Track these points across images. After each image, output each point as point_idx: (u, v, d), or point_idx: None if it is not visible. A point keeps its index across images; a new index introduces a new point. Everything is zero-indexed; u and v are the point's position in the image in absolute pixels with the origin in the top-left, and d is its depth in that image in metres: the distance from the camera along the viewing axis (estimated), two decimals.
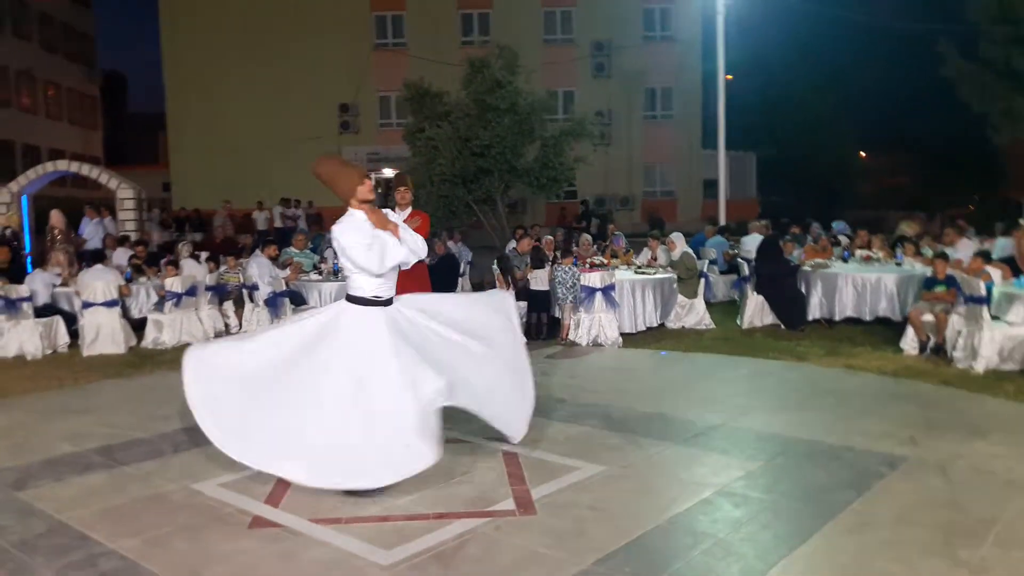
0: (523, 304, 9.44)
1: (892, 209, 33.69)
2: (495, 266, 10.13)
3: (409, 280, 6.76)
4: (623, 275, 9.69)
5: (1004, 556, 3.47)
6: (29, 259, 12.80)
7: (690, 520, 3.94)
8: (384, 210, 4.78)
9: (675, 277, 9.94)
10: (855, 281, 9.38)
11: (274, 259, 10.02)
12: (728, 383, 6.99)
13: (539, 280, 9.47)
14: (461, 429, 5.17)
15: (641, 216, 28.71)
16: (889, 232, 12.77)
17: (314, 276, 10.12)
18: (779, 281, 9.64)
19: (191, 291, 9.54)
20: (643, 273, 9.96)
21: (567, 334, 9.03)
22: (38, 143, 29.74)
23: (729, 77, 39.04)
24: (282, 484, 4.51)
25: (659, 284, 9.71)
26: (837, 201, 34.94)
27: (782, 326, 9.57)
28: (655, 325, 9.69)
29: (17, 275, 9.66)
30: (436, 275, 10.38)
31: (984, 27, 19.35)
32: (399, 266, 4.55)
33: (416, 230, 6.78)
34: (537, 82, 25.77)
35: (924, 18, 24.31)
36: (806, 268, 9.86)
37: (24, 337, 8.82)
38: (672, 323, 9.93)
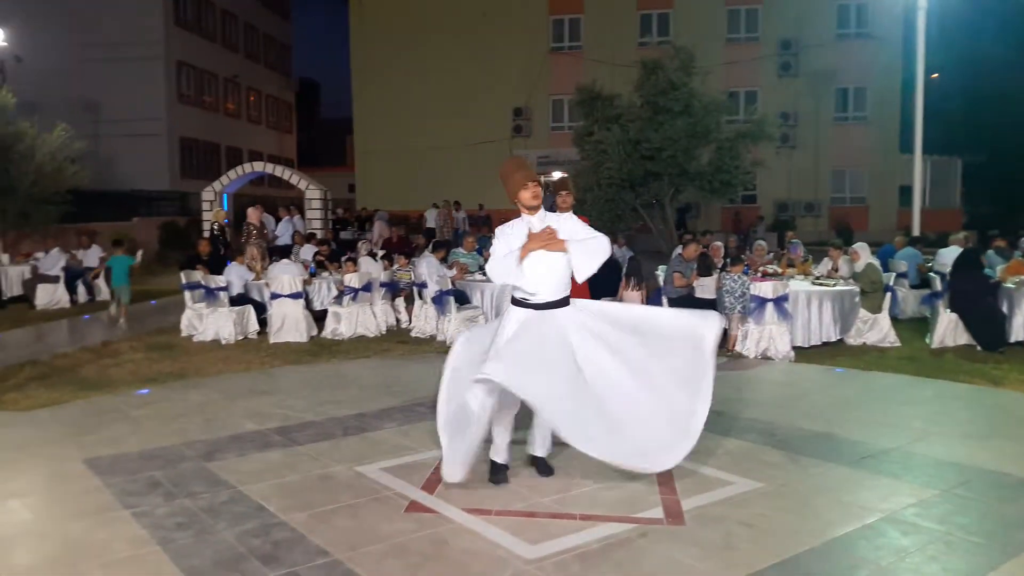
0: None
1: None
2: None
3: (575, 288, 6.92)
4: (799, 286, 9.32)
5: None
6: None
7: (849, 545, 3.79)
8: (553, 216, 4.81)
9: (857, 290, 9.41)
10: None
11: (443, 260, 10.56)
12: (907, 405, 6.55)
13: (706, 288, 9.31)
14: None
15: (829, 224, 27.26)
16: None
17: (479, 276, 10.53)
18: (976, 298, 8.86)
19: (367, 287, 10.26)
20: (821, 284, 9.51)
21: (734, 345, 8.82)
22: (240, 145, 32.99)
23: (934, 76, 36.27)
24: (433, 472, 4.79)
25: (838, 296, 9.24)
26: None
27: (978, 347, 8.80)
28: (833, 340, 9.23)
29: (217, 267, 10.81)
30: (597, 279, 10.51)
31: None
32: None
33: None
34: (717, 82, 25.40)
35: None
36: (1008, 285, 9.00)
37: (220, 323, 9.87)
38: (852, 339, 9.41)
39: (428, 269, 10.24)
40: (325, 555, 3.73)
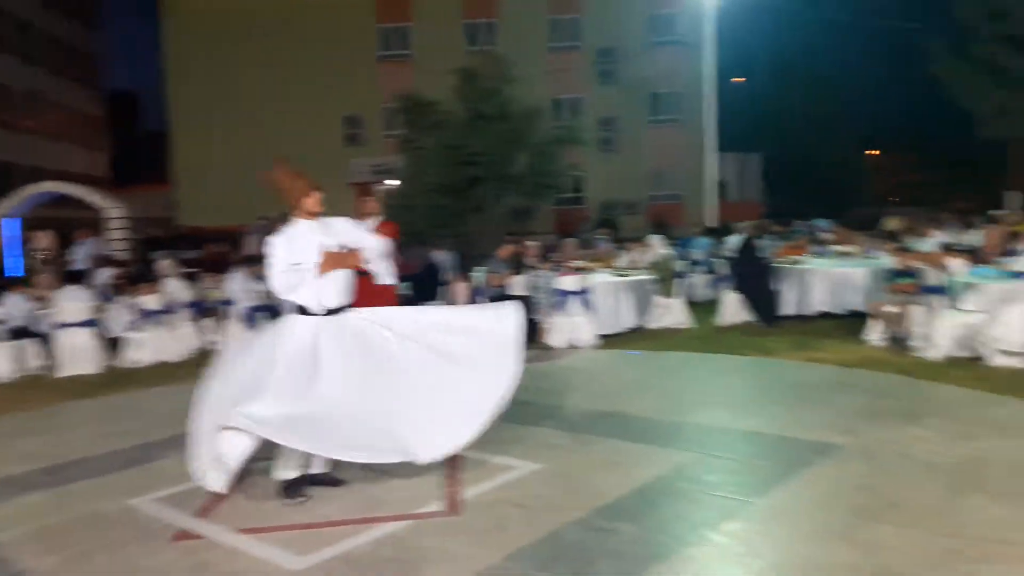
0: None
1: (901, 207, 33.54)
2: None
3: (378, 298, 6.84)
4: (601, 278, 9.73)
5: (899, 534, 3.53)
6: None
7: (612, 512, 3.98)
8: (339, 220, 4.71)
9: (653, 278, 9.96)
10: (825, 276, 9.40)
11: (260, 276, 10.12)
12: (690, 380, 7.02)
13: (518, 286, 9.52)
14: None
15: (648, 221, 28.71)
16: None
17: None
18: (753, 279, 9.63)
19: (168, 308, 9.66)
20: (621, 276, 9.99)
21: (544, 337, 9.07)
22: (42, 164, 30.23)
23: (741, 80, 39.10)
24: (216, 497, 4.53)
25: (636, 286, 9.74)
26: (841, 200, 34.80)
27: (757, 323, 9.56)
28: (635, 326, 9.71)
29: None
30: (419, 286, 10.49)
31: (972, 25, 19.26)
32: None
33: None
34: (544, 89, 26.14)
35: (918, 17, 24.23)
36: (780, 265, 9.85)
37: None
38: (652, 324, 9.95)
39: (237, 285, 9.83)
40: None
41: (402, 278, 10.62)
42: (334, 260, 4.42)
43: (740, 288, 9.73)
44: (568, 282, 8.96)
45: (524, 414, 5.92)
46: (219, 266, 13.11)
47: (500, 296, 9.51)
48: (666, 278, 10.01)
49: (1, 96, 28.52)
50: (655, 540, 3.62)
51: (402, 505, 4.27)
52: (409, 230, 13.80)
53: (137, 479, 5.00)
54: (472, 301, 10.67)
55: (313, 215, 4.54)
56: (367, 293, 6.82)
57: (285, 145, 27.27)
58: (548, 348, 8.89)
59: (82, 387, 8.21)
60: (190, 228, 24.17)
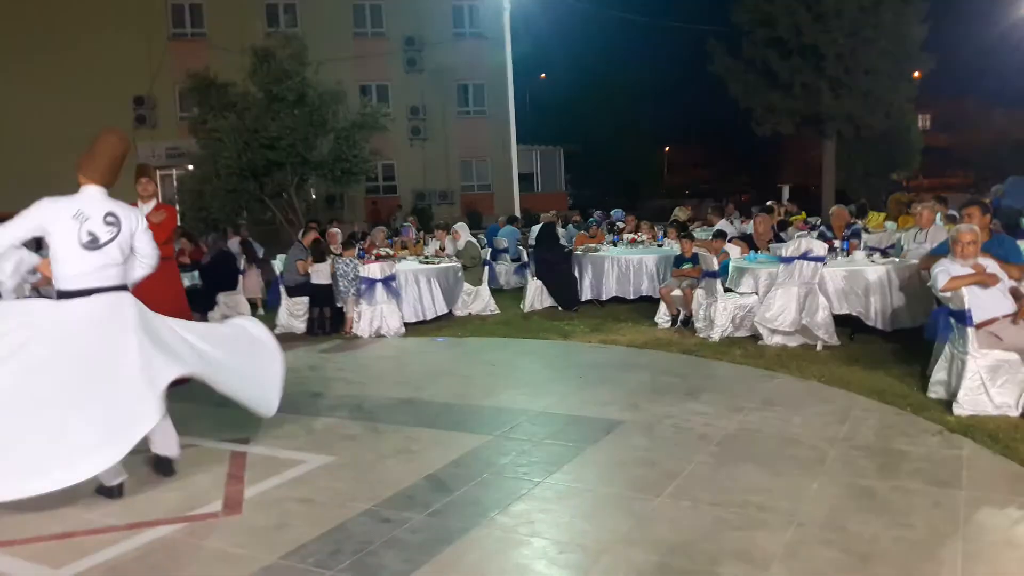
0: (305, 299, 9.13)
1: (692, 198, 36.27)
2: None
3: (157, 283, 6.26)
4: (407, 265, 9.58)
5: (673, 505, 3.68)
6: None
7: (400, 501, 3.87)
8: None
9: (459, 266, 9.97)
10: (619, 263, 9.84)
11: None
12: (491, 364, 7.07)
13: (321, 274, 9.16)
14: (191, 431, 4.82)
15: (461, 210, 28.85)
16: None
17: None
18: (554, 266, 9.93)
19: None
20: (428, 263, 9.91)
21: (351, 327, 8.81)
22: None
23: (542, 76, 40.15)
24: None
25: (443, 273, 9.68)
26: (639, 192, 37.13)
27: (559, 307, 9.86)
28: (443, 313, 9.67)
29: None
30: (210, 274, 9.84)
31: (746, 29, 21.06)
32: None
33: (161, 224, 6.36)
34: (350, 75, 25.37)
35: (704, 19, 26.18)
36: (578, 253, 10.22)
37: None
38: (459, 311, 9.96)
39: None
40: None
41: (192, 266, 9.97)
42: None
43: (541, 275, 9.98)
44: (373, 269, 8.75)
45: (318, 405, 5.71)
46: None
47: (304, 286, 9.15)
48: (472, 266, 10.06)
49: None
50: (442, 526, 3.56)
51: (176, 507, 3.93)
52: (204, 216, 12.94)
53: None
54: (268, 290, 10.19)
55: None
56: (151, 279, 6.28)
57: (70, 129, 24.70)
58: (352, 337, 8.65)
59: None
60: None
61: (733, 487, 3.87)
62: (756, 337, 7.33)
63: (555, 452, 4.52)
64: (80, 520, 3.81)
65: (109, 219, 4.09)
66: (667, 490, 3.85)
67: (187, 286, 9.49)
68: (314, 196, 18.49)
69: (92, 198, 4.12)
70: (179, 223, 15.72)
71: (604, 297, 9.95)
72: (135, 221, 4.23)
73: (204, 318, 9.62)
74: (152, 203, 6.47)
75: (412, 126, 28.02)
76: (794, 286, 7.03)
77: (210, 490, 4.14)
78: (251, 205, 13.37)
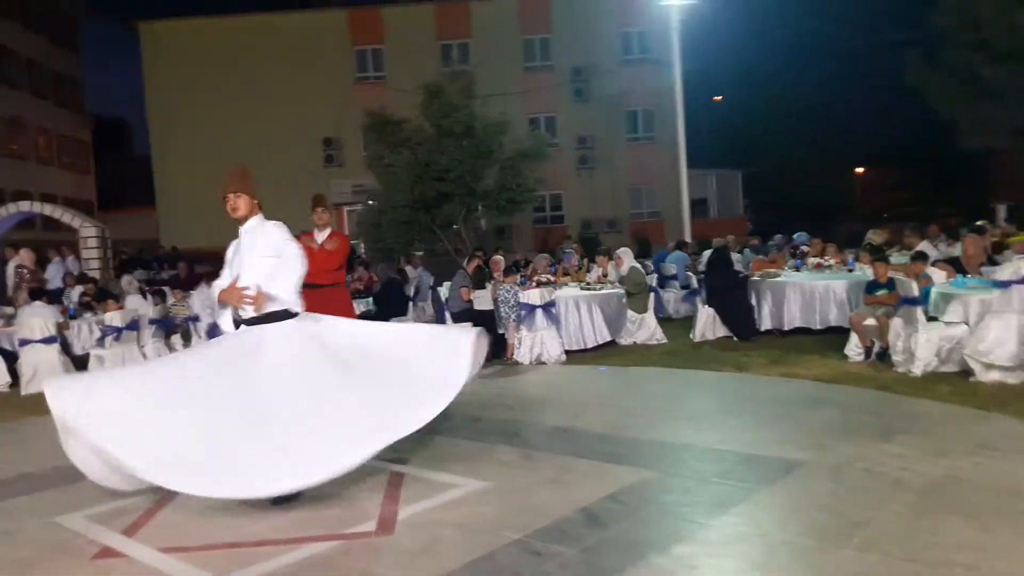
0: (467, 325, 9.29)
1: (891, 223, 33.54)
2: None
3: (330, 307, 6.62)
4: (568, 292, 9.51)
5: (860, 558, 3.24)
6: None
7: (553, 533, 3.71)
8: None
9: (623, 292, 9.75)
10: (803, 289, 9.16)
11: None
12: (655, 396, 6.76)
13: (483, 300, 9.31)
14: None
15: (629, 238, 28.54)
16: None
17: None
18: (728, 293, 9.43)
19: (132, 325, 9.42)
20: (590, 289, 9.77)
21: (512, 353, 8.84)
22: (28, 188, 29.92)
23: (718, 98, 39.15)
24: (146, 513, 4.34)
25: (605, 300, 9.51)
26: (830, 217, 34.82)
27: (734, 338, 9.34)
28: (606, 342, 9.48)
29: None
30: (381, 302, 10.29)
31: (946, 35, 19.26)
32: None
33: (334, 251, 6.72)
34: (519, 108, 26.04)
35: (892, 31, 24.32)
36: (755, 278, 9.65)
37: None
38: (624, 339, 9.72)
39: (201, 302, 9.59)
40: None
41: (365, 293, 10.47)
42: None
43: (713, 302, 9.53)
44: (532, 296, 8.73)
45: (476, 430, 5.70)
46: (192, 284, 12.89)
47: (467, 312, 9.32)
48: (637, 292, 9.79)
49: None
50: (595, 564, 3.35)
51: (334, 524, 4.00)
52: (380, 246, 13.64)
53: (74, 496, 4.69)
54: (438, 316, 10.49)
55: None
56: (323, 304, 6.64)
57: (267, 168, 27.28)
58: (513, 363, 8.66)
59: (44, 404, 7.90)
60: (173, 249, 23.86)
61: (934, 543, 3.36)
62: (967, 372, 6.50)
63: (723, 492, 4.17)
64: (247, 531, 3.98)
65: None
66: (853, 541, 3.41)
67: (362, 311, 10.02)
68: (484, 227, 19.03)
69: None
70: (358, 253, 16.71)
71: (786, 327, 9.30)
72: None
73: None
74: (327, 231, 6.86)
75: (580, 155, 28.20)
76: (1013, 314, 6.18)
77: (367, 509, 4.19)
78: (423, 236, 13.94)
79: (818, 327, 9.10)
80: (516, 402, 6.70)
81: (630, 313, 9.75)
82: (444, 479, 4.62)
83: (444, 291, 9.85)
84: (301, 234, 7.04)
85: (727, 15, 25.41)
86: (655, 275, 10.87)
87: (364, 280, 10.90)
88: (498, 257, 10.49)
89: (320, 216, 6.85)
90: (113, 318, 9.20)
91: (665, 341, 9.63)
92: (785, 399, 6.31)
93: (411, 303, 11.09)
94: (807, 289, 9.17)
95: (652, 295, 9.95)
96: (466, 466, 4.84)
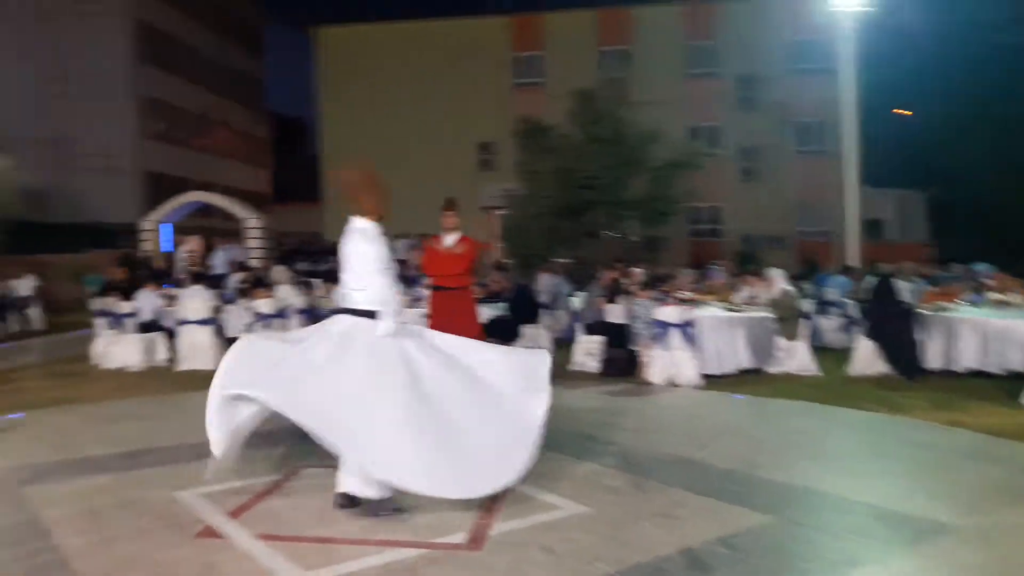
0: (599, 338, 9.12)
1: None
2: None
3: (455, 309, 6.71)
4: (712, 312, 9.08)
5: None
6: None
7: (647, 572, 3.50)
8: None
9: (772, 317, 9.19)
10: (979, 327, 8.22)
11: None
12: (795, 433, 6.27)
13: (615, 313, 9.10)
14: None
15: (795, 257, 27.12)
16: None
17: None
18: (891, 325, 8.63)
19: (281, 313, 9.99)
20: (735, 311, 9.29)
21: (643, 372, 8.57)
22: (211, 180, 32.82)
23: (906, 112, 36.37)
24: (255, 498, 4.53)
25: (751, 323, 9.00)
26: None
27: (897, 375, 8.54)
28: (749, 368, 8.97)
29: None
30: (513, 307, 10.28)
31: None
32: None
33: (461, 255, 6.79)
34: (679, 117, 25.48)
35: None
36: (924, 312, 8.79)
37: (127, 350, 9.59)
38: (771, 368, 9.15)
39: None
40: None
41: (497, 298, 10.50)
42: None
43: (875, 335, 8.77)
44: (668, 313, 8.40)
45: (586, 450, 5.52)
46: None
47: (600, 324, 9.15)
48: (789, 317, 9.20)
49: (177, 117, 31.34)
50: None
51: (426, 531, 4.00)
52: (522, 252, 13.72)
53: (195, 473, 4.96)
54: (568, 327, 10.37)
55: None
56: (447, 306, 6.72)
57: (423, 168, 28.48)
58: (644, 383, 8.37)
59: (196, 381, 8.52)
60: (335, 244, 25.30)
61: None
62: None
63: (851, 549, 3.77)
64: (340, 528, 4.06)
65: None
66: None
67: (495, 315, 10.08)
68: (635, 238, 18.73)
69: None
70: (497, 258, 16.94)
71: (957, 368, 8.40)
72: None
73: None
74: (456, 235, 6.92)
75: (743, 167, 27.19)
76: None
77: (460, 520, 4.15)
78: (567, 243, 13.89)
79: (995, 371, 8.14)
80: (637, 424, 6.45)
81: (779, 340, 9.17)
82: (544, 499, 4.50)
83: (578, 301, 9.71)
84: (430, 237, 7.19)
85: (915, 18, 23.46)
86: (814, 300, 10.16)
87: (498, 284, 10.96)
88: (637, 270, 10.23)
89: (448, 220, 6.91)
90: (262, 305, 9.81)
91: (817, 373, 8.97)
92: (943, 449, 5.66)
93: (546, 311, 11.02)
94: (984, 327, 8.23)
95: (807, 322, 9.31)
96: (569, 488, 4.69)
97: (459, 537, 3.92)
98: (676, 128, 22.86)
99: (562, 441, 5.68)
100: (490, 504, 4.37)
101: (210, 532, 4.04)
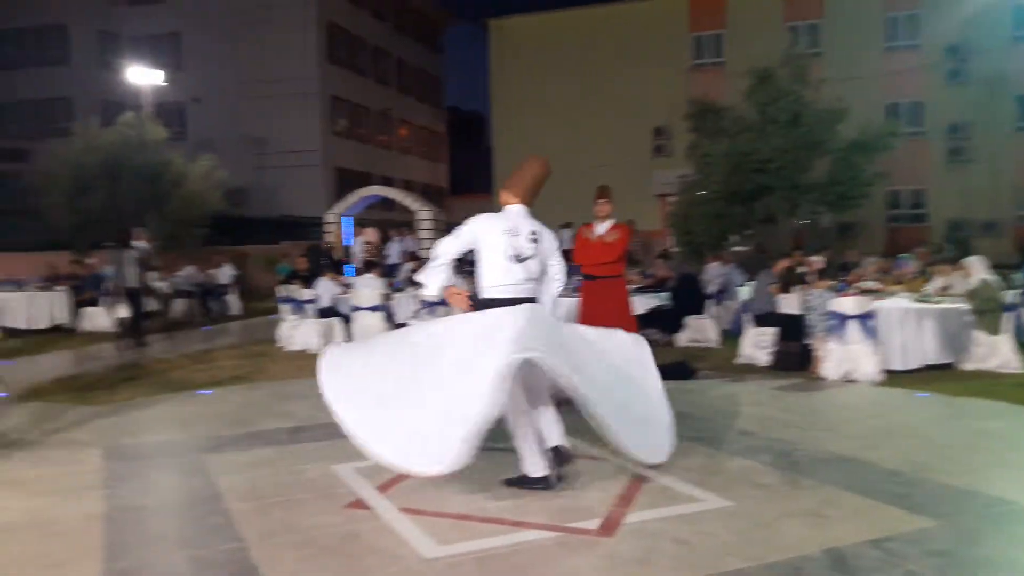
0: (772, 330, 8.75)
1: None
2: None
3: (606, 297, 6.73)
4: (894, 303, 8.44)
5: None
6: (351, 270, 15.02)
7: (784, 570, 3.35)
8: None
9: (967, 309, 8.39)
10: None
11: None
12: (980, 434, 5.70)
13: (790, 303, 8.69)
14: (597, 446, 4.96)
15: (1012, 245, 24.47)
16: None
17: None
18: None
19: (445, 301, 10.43)
20: (925, 302, 8.57)
21: (818, 367, 8.12)
22: (392, 174, 34.78)
23: None
24: (402, 476, 4.79)
25: (942, 315, 8.26)
26: None
27: None
28: (940, 364, 8.25)
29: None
30: (677, 297, 10.08)
31: None
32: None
33: (613, 243, 6.79)
34: (876, 94, 23.70)
35: None
36: None
37: (308, 334, 10.42)
38: (966, 364, 8.37)
39: None
40: (238, 541, 3.82)
41: (660, 288, 10.34)
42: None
43: None
44: (846, 304, 7.88)
45: (742, 446, 5.36)
46: None
47: (771, 315, 8.76)
48: (988, 310, 8.35)
49: (360, 115, 33.41)
50: None
51: (559, 515, 4.06)
52: (689, 240, 13.37)
53: (352, 449, 5.35)
54: (736, 317, 10.01)
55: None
56: (598, 295, 6.75)
57: (594, 156, 28.51)
58: (817, 379, 7.93)
59: None
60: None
61: None
62: None
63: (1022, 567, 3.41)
64: (479, 507, 4.22)
65: (532, 237, 4.47)
66: None
67: (655, 306, 9.96)
68: (824, 224, 17.67)
69: (519, 216, 4.53)
70: (673, 247, 16.64)
71: None
72: (551, 242, 4.61)
73: (670, 339, 9.96)
74: (608, 223, 6.91)
75: (951, 147, 24.83)
76: None
77: (596, 506, 4.18)
78: (737, 230, 13.37)
79: None
80: (803, 421, 6.14)
81: (977, 334, 8.36)
82: (686, 491, 4.42)
83: (747, 291, 9.37)
84: (582, 225, 7.21)
85: None
86: (1020, 291, 9.17)
87: (661, 274, 10.79)
88: (816, 258, 9.69)
89: (601, 208, 6.91)
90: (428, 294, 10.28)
91: (1020, 371, 8.10)
92: None
93: (713, 300, 10.73)
94: None
95: (1011, 315, 8.42)
96: (715, 481, 4.57)
97: (593, 523, 3.95)
98: (871, 106, 21.29)
99: (717, 436, 5.57)
100: (627, 494, 4.37)
101: (359, 504, 4.34)
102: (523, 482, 4.42)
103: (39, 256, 15.20)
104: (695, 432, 5.61)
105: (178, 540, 3.87)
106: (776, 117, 12.26)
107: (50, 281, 12.97)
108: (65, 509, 4.32)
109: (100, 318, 12.58)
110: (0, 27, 31.63)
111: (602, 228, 6.88)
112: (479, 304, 4.52)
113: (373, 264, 11.53)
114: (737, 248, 14.02)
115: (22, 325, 12.21)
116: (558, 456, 4.48)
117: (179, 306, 14.60)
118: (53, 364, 9.77)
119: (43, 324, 12.17)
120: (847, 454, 5.13)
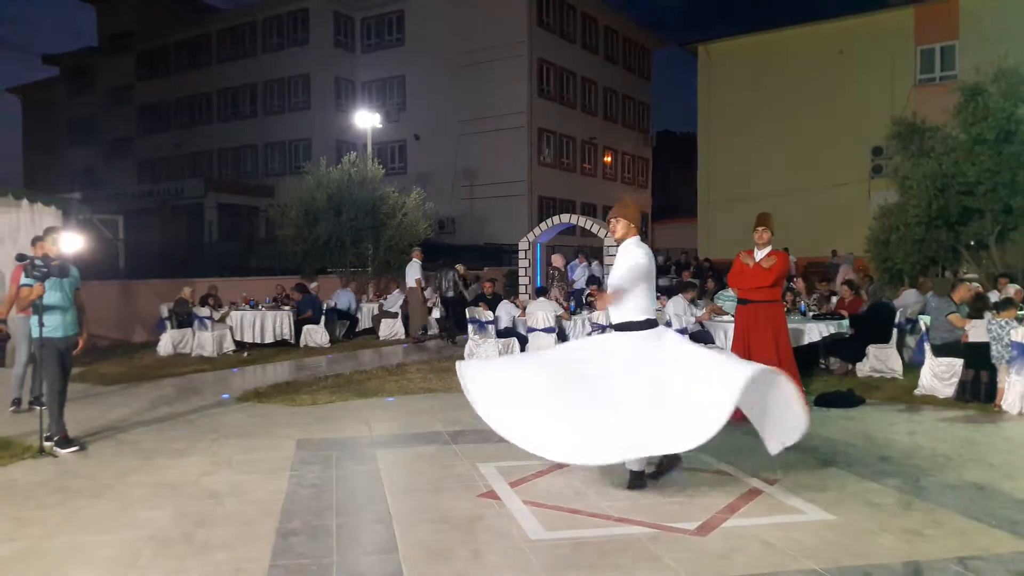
0: (953, 361, 8.41)
1: None
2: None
3: (764, 323, 7.07)
4: None
5: None
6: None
7: (847, 573, 3.60)
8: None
9: None
10: None
11: (692, 301, 10.87)
12: None
13: (978, 332, 8.32)
14: (735, 463, 5.33)
15: None
16: None
17: (726, 318, 10.60)
18: None
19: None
20: None
21: (1000, 400, 7.74)
22: (594, 201, 35.75)
23: None
24: (536, 474, 5.45)
25: None
26: None
27: None
28: None
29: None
30: (862, 325, 9.83)
31: None
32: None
33: (769, 269, 7.11)
34: None
35: None
36: None
37: (488, 352, 11.40)
38: None
39: (675, 308, 10.64)
40: (385, 515, 4.66)
41: (845, 316, 10.07)
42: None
43: None
44: None
45: (876, 469, 5.50)
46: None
47: (953, 345, 8.44)
48: None
49: (565, 144, 34.75)
50: None
51: (663, 516, 4.51)
52: (888, 267, 12.82)
53: (500, 451, 5.91)
54: (917, 347, 9.62)
55: None
56: (752, 319, 7.08)
57: (805, 178, 27.61)
58: (997, 411, 7.56)
59: None
60: (705, 260, 25.91)
61: None
62: None
63: None
64: (591, 504, 4.77)
65: None
66: None
67: (834, 332, 9.83)
68: None
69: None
70: (862, 274, 15.94)
71: None
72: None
73: (851, 368, 9.78)
74: (767, 249, 7.22)
75: None
76: None
77: (701, 512, 4.57)
78: (942, 256, 12.61)
79: None
80: (952, 450, 6.02)
81: None
82: (795, 504, 4.68)
83: (923, 321, 9.06)
84: (741, 251, 7.52)
85: None
86: None
87: (848, 302, 10.57)
88: (1014, 286, 9.16)
89: (761, 235, 7.26)
90: (599, 316, 10.90)
91: None
92: None
93: (904, 330, 10.32)
94: None
95: None
96: (827, 498, 4.78)
97: (691, 525, 4.36)
98: None
99: (855, 459, 5.71)
100: (736, 503, 4.71)
101: (491, 495, 5.04)
102: (630, 480, 5.00)
103: (273, 280, 17.65)
104: (830, 455, 5.77)
105: (336, 510, 4.77)
106: (984, 136, 11.52)
107: (277, 302, 15.05)
108: (260, 484, 5.41)
109: (317, 335, 14.40)
110: (262, 79, 36.68)
111: (760, 254, 7.21)
112: (630, 326, 5.11)
113: (544, 290, 12.33)
114: (945, 277, 13.22)
115: (255, 339, 14.27)
116: (665, 459, 4.98)
117: (385, 325, 16.26)
118: (273, 373, 11.47)
119: (269, 339, 14.14)
120: (981, 482, 5.08)
